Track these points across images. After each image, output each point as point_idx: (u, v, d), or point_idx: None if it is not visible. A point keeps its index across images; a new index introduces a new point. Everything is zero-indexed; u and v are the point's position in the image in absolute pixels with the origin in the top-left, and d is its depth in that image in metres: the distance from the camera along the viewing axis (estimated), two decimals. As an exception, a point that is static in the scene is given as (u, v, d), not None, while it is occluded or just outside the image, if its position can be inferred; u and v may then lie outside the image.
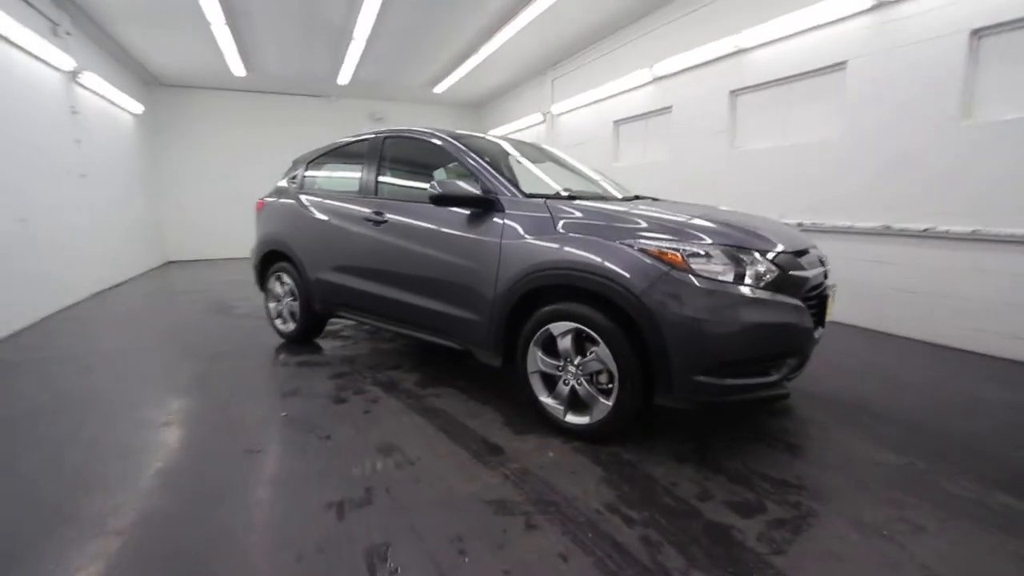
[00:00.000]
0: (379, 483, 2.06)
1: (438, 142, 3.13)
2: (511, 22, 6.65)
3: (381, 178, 3.38)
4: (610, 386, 2.26)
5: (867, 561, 1.60)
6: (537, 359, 2.48)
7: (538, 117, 9.31)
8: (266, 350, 3.97)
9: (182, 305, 5.95)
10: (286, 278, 3.99)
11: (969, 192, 3.63)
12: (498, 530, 1.76)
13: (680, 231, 2.18)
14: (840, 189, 4.49)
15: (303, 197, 3.88)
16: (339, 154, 3.90)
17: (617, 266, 2.16)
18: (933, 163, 3.82)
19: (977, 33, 3.53)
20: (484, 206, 2.68)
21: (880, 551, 1.64)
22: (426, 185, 3.59)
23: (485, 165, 2.84)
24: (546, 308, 2.40)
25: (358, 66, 8.34)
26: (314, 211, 3.71)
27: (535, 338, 2.46)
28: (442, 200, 2.70)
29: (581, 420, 2.38)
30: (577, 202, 2.59)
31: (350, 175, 3.76)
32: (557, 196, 2.76)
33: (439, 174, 3.70)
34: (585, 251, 2.27)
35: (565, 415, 2.43)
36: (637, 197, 3.14)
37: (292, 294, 4.00)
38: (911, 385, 3.17)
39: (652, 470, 2.15)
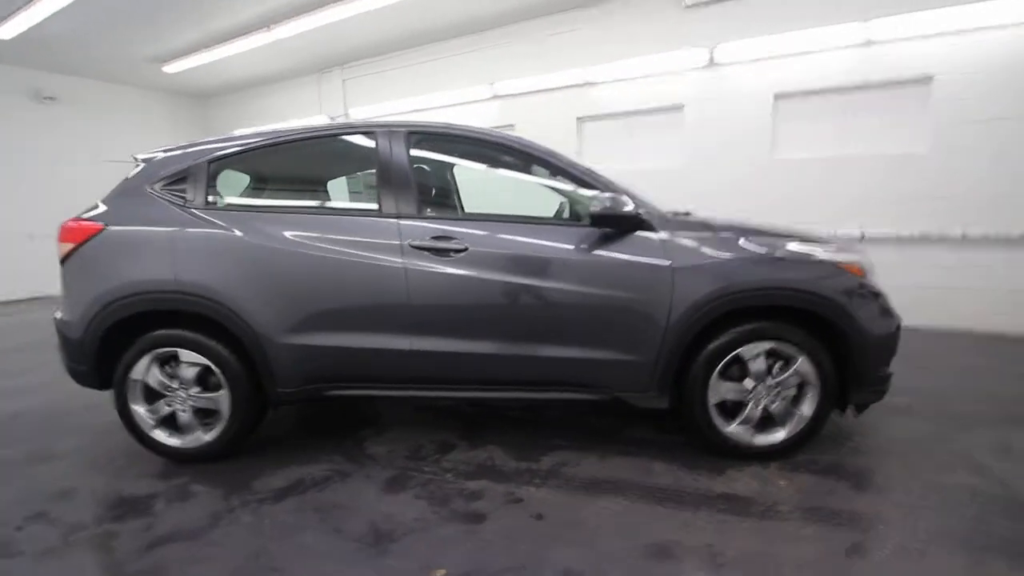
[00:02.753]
0: (747, 594, 1.55)
1: (518, 146, 2.45)
2: (315, 13, 5.59)
3: (428, 191, 2.39)
4: (807, 395, 2.31)
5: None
6: (720, 388, 2.30)
7: (323, 120, 7.99)
8: (148, 494, 2.25)
9: None
10: (191, 356, 2.33)
11: (780, 206, 5.13)
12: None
13: (839, 244, 2.41)
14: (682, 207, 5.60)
15: (239, 218, 2.35)
16: (300, 152, 2.55)
17: (821, 281, 2.23)
18: (754, 187, 5.23)
19: (778, 96, 5.04)
20: (633, 226, 2.28)
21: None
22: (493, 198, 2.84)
23: (609, 179, 2.40)
24: (734, 331, 2.25)
25: (54, 14, 5.32)
26: (282, 240, 2.30)
27: (720, 366, 2.27)
28: (605, 220, 2.17)
29: (773, 438, 2.34)
30: (718, 219, 2.50)
31: (342, 185, 2.54)
32: (689, 214, 2.58)
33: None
34: (783, 269, 2.24)
35: (754, 438, 2.34)
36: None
37: (202, 381, 2.38)
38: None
39: (855, 464, 2.33)
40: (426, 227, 2.31)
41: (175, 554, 1.82)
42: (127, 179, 2.52)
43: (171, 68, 7.27)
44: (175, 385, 2.39)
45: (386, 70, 7.39)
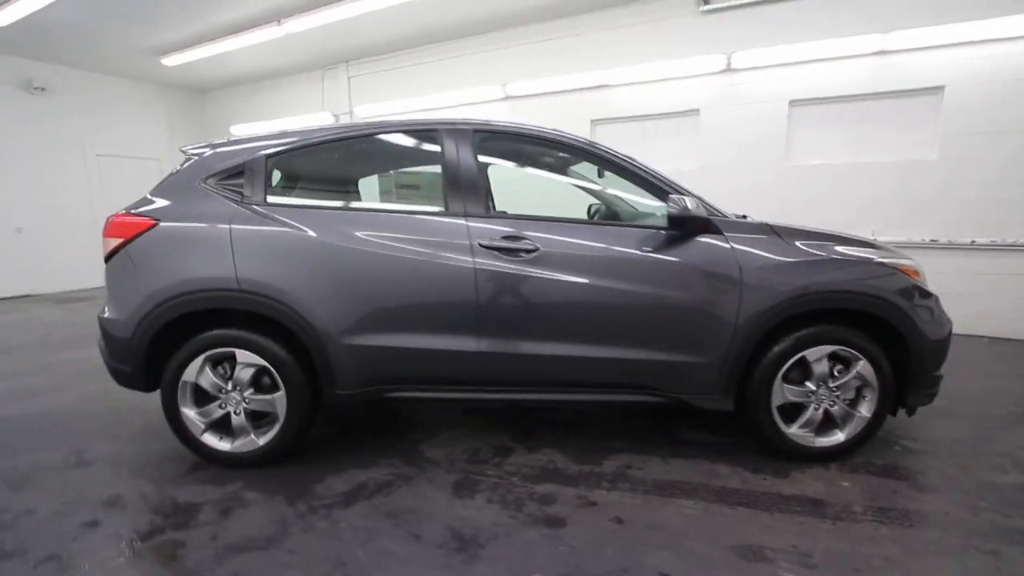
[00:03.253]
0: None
1: (585, 146, 2.47)
2: (328, 8, 5.51)
3: (496, 190, 2.36)
4: (865, 397, 2.35)
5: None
6: (784, 390, 2.32)
7: (328, 119, 7.86)
8: (204, 501, 2.17)
9: None
10: (248, 357, 2.26)
11: (793, 209, 5.23)
12: (1004, 575, 1.66)
13: (885, 248, 2.46)
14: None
15: (302, 215, 2.30)
16: (359, 149, 2.52)
17: (883, 284, 2.27)
18: (769, 192, 5.32)
19: (793, 103, 5.15)
20: (702, 229, 2.29)
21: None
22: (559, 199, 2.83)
23: (678, 184, 2.40)
24: (797, 334, 2.27)
25: (55, 2, 5.09)
26: (348, 238, 2.25)
27: (784, 368, 2.30)
28: (683, 222, 2.18)
29: (833, 440, 2.38)
30: (777, 222, 2.52)
31: (404, 182, 2.50)
32: (746, 217, 2.60)
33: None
34: (848, 272, 2.28)
35: (815, 440, 2.37)
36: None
37: (255, 383, 2.31)
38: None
39: (910, 465, 2.38)
40: (495, 227, 2.28)
41: (254, 563, 1.75)
42: (176, 173, 2.43)
43: (170, 61, 7.04)
44: (229, 387, 2.31)
45: (394, 68, 7.30)
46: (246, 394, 2.32)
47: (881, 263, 2.33)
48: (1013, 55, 4.23)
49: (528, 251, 2.24)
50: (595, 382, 2.36)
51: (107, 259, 2.34)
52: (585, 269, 2.26)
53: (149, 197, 2.40)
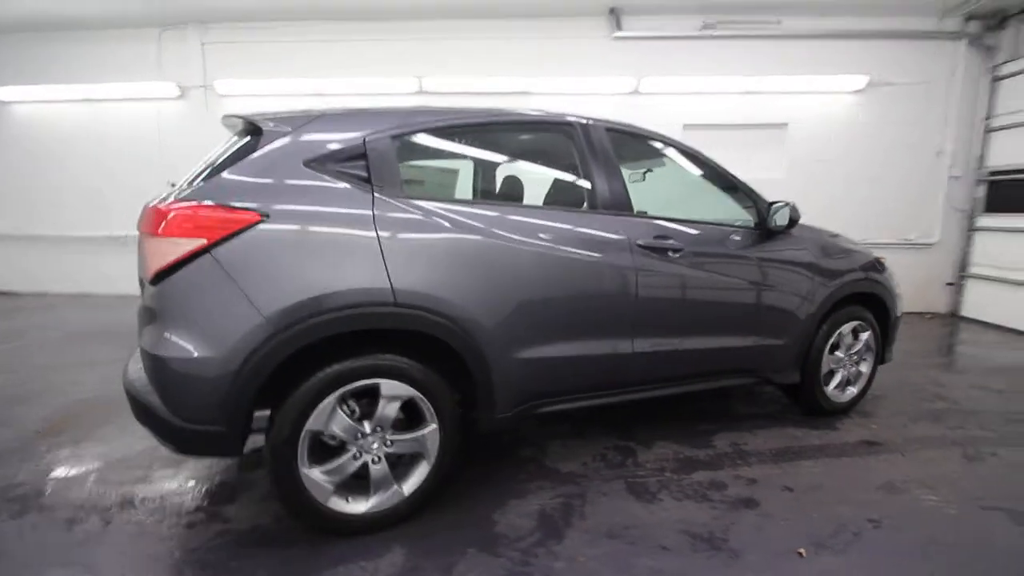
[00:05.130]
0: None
1: (700, 156, 2.70)
2: None
3: (636, 189, 2.31)
4: (865, 359, 3.06)
5: None
6: (828, 359, 2.88)
7: (169, 90, 6.20)
8: None
9: None
10: (395, 387, 1.80)
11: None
12: None
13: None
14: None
15: (455, 211, 1.93)
16: (487, 137, 2.26)
17: (881, 270, 3.00)
18: (668, 199, 6.22)
19: (686, 126, 6.11)
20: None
21: None
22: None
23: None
24: (835, 314, 2.84)
25: None
26: (511, 238, 1.98)
27: (830, 342, 2.85)
28: (794, 224, 2.51)
29: (850, 395, 3.04)
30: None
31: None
32: None
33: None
34: (868, 262, 2.94)
35: (840, 397, 2.99)
36: None
37: (397, 423, 1.87)
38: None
39: (888, 406, 3.18)
40: (637, 225, 2.28)
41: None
42: (261, 152, 1.76)
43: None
44: (367, 429, 1.80)
45: (271, 41, 6.16)
46: (388, 435, 1.84)
47: (877, 255, 3.07)
48: (833, 104, 5.85)
49: (675, 250, 2.31)
50: (719, 370, 2.57)
51: (169, 271, 1.58)
52: (721, 266, 2.46)
53: (228, 177, 1.70)
